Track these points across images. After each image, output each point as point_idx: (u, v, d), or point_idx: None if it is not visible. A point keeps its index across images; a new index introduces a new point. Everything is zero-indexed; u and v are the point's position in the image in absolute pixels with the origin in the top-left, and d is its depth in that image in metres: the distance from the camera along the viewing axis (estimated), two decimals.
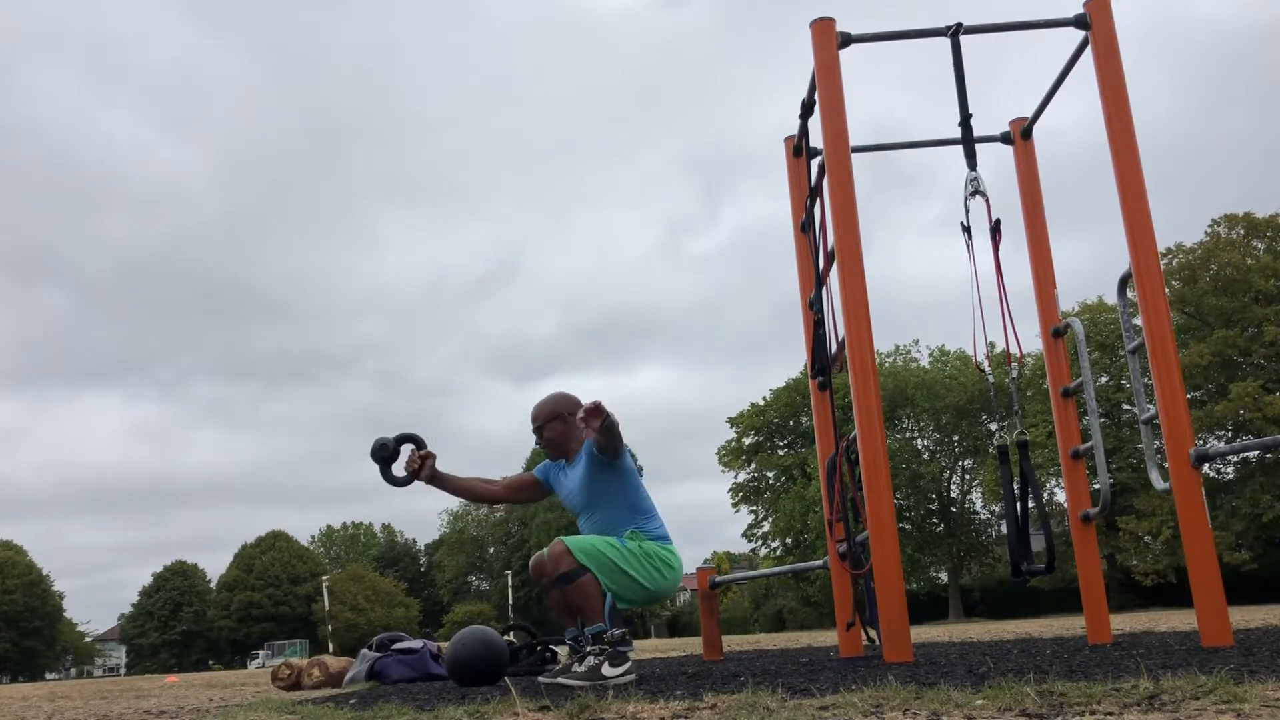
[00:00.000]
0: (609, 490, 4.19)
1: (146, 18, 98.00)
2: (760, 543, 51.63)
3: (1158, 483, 4.37)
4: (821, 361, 4.97)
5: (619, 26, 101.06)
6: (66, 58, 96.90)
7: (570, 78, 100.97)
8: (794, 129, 5.25)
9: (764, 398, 51.00)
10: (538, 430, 4.39)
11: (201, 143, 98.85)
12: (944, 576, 49.00)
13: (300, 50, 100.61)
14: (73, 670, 69.96)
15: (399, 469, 4.29)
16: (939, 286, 66.79)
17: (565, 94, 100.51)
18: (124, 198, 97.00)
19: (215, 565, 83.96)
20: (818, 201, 4.88)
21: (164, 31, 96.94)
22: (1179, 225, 52.32)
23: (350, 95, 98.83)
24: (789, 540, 46.85)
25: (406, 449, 4.29)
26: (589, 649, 3.83)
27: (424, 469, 4.28)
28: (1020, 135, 5.24)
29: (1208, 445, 4.25)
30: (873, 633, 4.74)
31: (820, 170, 4.75)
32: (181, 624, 66.86)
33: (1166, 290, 5.18)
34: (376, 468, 4.27)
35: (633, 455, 4.40)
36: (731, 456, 51.54)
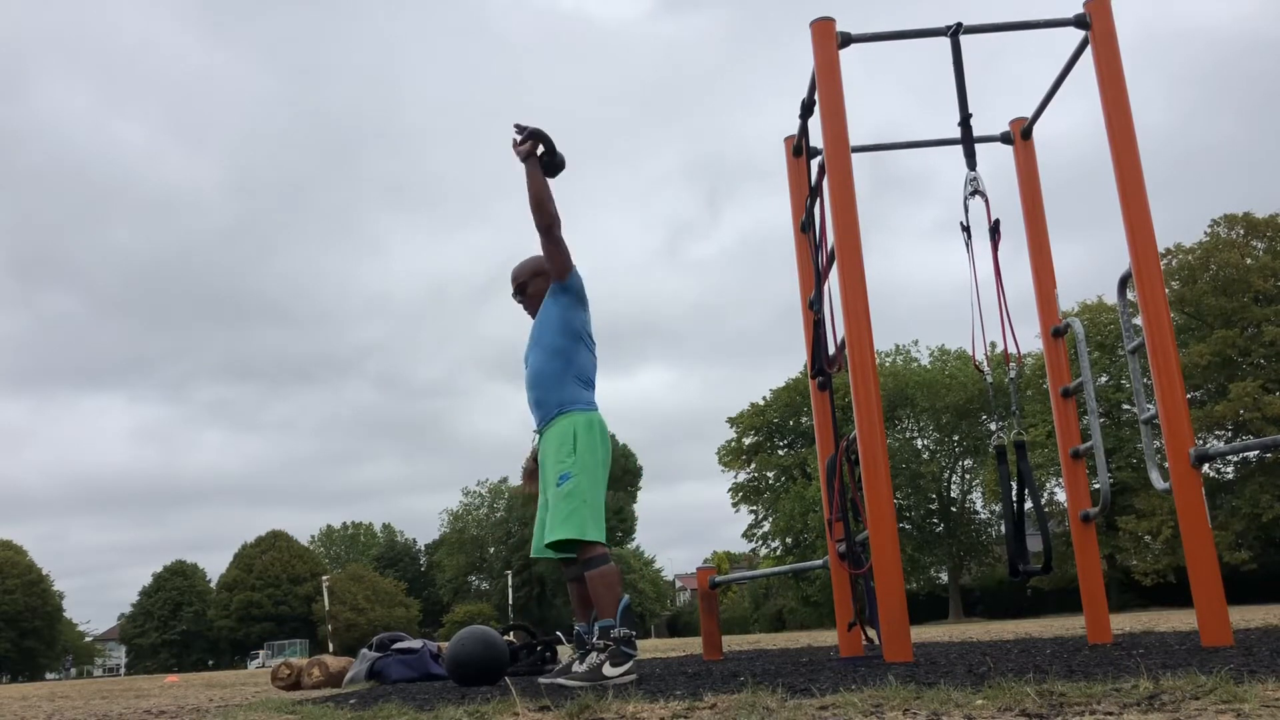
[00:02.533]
0: (553, 323, 4.23)
1: (159, 27, 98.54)
2: (760, 543, 51.63)
3: (1158, 483, 4.37)
4: (821, 361, 4.98)
5: (623, 34, 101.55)
6: (80, 66, 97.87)
7: (574, 84, 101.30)
8: (794, 132, 5.26)
9: (764, 398, 51.02)
10: (521, 287, 4.39)
11: (211, 150, 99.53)
12: (944, 576, 48.99)
13: (308, 60, 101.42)
14: (73, 670, 69.95)
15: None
16: (937, 290, 66.97)
17: (569, 100, 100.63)
18: (133, 203, 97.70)
19: (215, 565, 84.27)
20: (818, 201, 4.88)
21: (176, 41, 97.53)
22: (1177, 229, 52.35)
23: (357, 103, 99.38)
24: (789, 540, 46.85)
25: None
26: (595, 643, 3.84)
27: None
28: (1020, 135, 5.24)
29: (1208, 445, 4.25)
30: (872, 633, 4.74)
31: (820, 170, 4.75)
32: (181, 624, 66.82)
33: (1166, 290, 5.18)
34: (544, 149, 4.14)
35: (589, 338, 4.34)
36: (731, 456, 51.52)
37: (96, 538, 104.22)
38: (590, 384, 4.30)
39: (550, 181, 4.18)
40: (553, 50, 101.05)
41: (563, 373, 4.21)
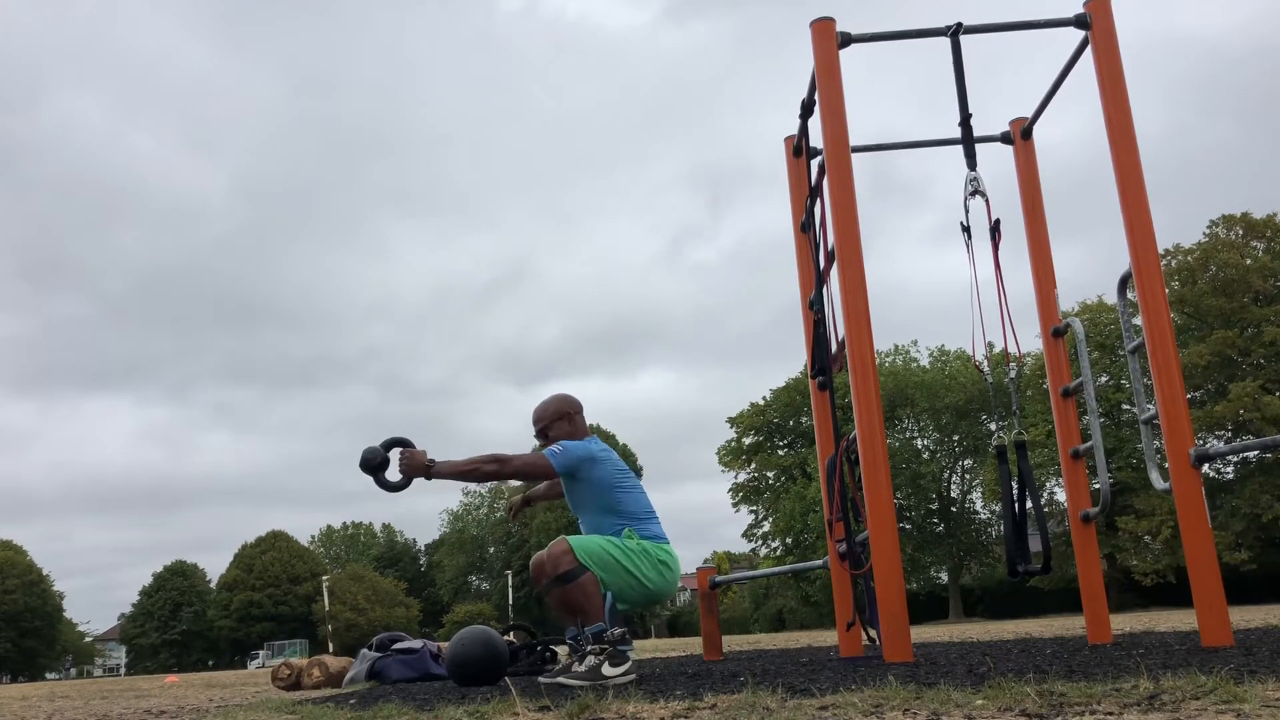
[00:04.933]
0: (585, 497, 4.24)
1: (171, 38, 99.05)
2: (760, 543, 51.63)
3: (1158, 483, 4.37)
4: (821, 361, 4.97)
5: (627, 41, 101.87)
6: (93, 75, 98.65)
7: (579, 91, 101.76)
8: (795, 133, 5.26)
9: (764, 398, 51.02)
10: (542, 431, 4.37)
11: (219, 157, 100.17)
12: (944, 576, 48.99)
13: (317, 68, 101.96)
14: (73, 670, 69.95)
15: (393, 474, 4.20)
16: (936, 294, 67.16)
17: (573, 108, 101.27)
18: (142, 209, 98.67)
19: (216, 565, 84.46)
20: (818, 201, 4.88)
21: (188, 51, 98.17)
22: (1176, 230, 52.43)
23: (364, 112, 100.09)
24: (789, 540, 46.84)
25: (395, 453, 4.21)
26: (589, 648, 3.83)
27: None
28: (1020, 135, 5.24)
29: (1207, 445, 4.25)
30: (873, 632, 4.74)
31: (820, 170, 4.75)
32: (181, 624, 66.84)
33: (1166, 290, 5.18)
34: (370, 478, 4.18)
35: (626, 464, 4.36)
36: (731, 456, 51.52)
37: (98, 538, 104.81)
38: (649, 517, 4.25)
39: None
40: (558, 57, 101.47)
41: (619, 527, 4.19)
